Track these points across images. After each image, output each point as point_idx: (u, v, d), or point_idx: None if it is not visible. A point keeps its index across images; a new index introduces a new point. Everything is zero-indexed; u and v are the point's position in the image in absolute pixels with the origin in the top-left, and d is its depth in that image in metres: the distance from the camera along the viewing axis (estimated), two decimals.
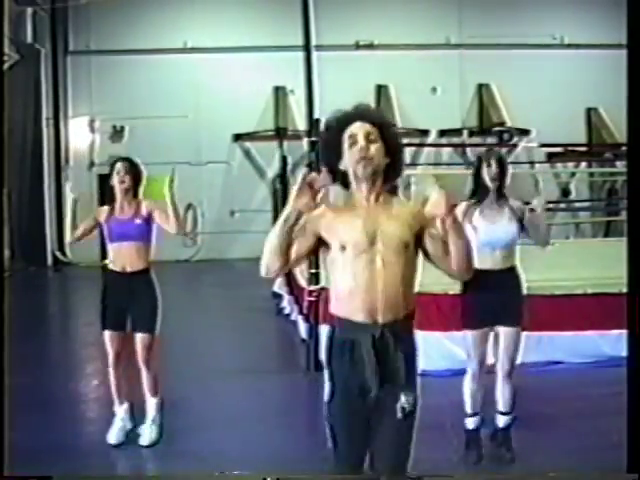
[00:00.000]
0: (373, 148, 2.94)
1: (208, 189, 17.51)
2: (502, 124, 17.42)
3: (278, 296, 10.35)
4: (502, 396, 4.79)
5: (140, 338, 5.13)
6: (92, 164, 17.60)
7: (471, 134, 17.79)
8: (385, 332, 2.92)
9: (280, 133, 17.36)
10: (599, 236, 15.90)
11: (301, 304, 8.29)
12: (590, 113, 17.84)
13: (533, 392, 4.98)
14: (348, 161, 2.96)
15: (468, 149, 17.43)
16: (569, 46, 17.58)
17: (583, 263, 8.95)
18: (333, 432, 3.00)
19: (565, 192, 17.45)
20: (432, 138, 17.40)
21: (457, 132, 17.70)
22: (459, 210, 4.67)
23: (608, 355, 6.74)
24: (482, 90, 17.85)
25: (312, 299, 7.12)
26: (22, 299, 10.84)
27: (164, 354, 5.49)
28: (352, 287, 2.92)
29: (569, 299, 7.00)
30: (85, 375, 5.56)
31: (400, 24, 17.10)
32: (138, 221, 5.10)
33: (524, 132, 17.20)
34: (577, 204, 16.98)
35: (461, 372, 4.97)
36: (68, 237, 5.27)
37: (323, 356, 3.07)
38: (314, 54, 7.97)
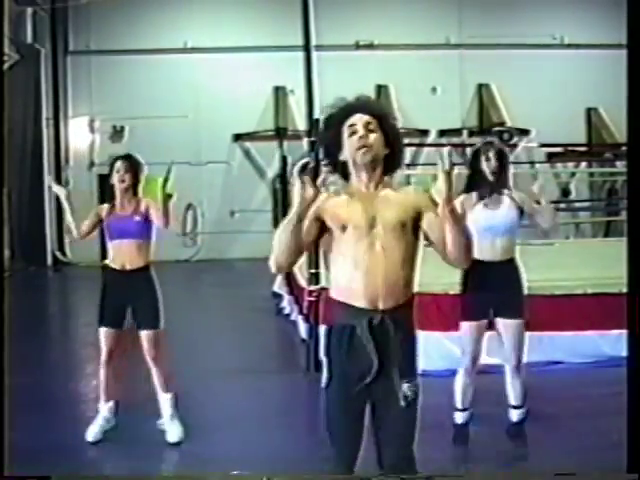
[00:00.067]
0: (372, 137, 2.98)
1: (208, 189, 17.52)
2: (502, 124, 17.41)
3: (278, 296, 10.35)
4: (513, 390, 4.80)
5: (145, 335, 5.14)
6: (92, 164, 17.60)
7: (471, 134, 17.77)
8: (385, 318, 2.93)
9: (280, 133, 17.36)
10: (599, 236, 15.90)
11: (301, 304, 8.28)
12: (590, 113, 17.84)
13: (533, 392, 4.97)
14: (347, 150, 2.99)
15: (468, 149, 17.42)
16: (569, 46, 17.58)
17: (583, 263, 8.96)
18: (329, 419, 3.01)
19: (565, 192, 17.45)
20: (432, 138, 17.40)
21: (457, 132, 17.70)
22: (458, 201, 4.68)
23: (608, 355, 6.73)
24: (482, 90, 17.85)
25: (312, 299, 7.12)
26: (22, 299, 10.84)
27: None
28: (353, 272, 2.93)
29: (569, 299, 7.00)
30: (85, 375, 5.56)
31: (400, 24, 17.10)
32: (137, 218, 5.11)
33: (524, 132, 17.20)
34: (577, 204, 16.98)
35: None
36: (74, 233, 5.26)
37: (322, 345, 3.08)
38: (314, 54, 7.96)
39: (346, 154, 3.00)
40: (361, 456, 3.05)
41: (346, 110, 3.05)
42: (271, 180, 16.99)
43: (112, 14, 16.82)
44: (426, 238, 3.01)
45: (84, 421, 5.31)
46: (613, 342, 6.65)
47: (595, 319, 6.88)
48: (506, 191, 4.73)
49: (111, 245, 5.19)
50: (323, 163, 3.08)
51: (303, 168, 2.90)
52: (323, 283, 6.74)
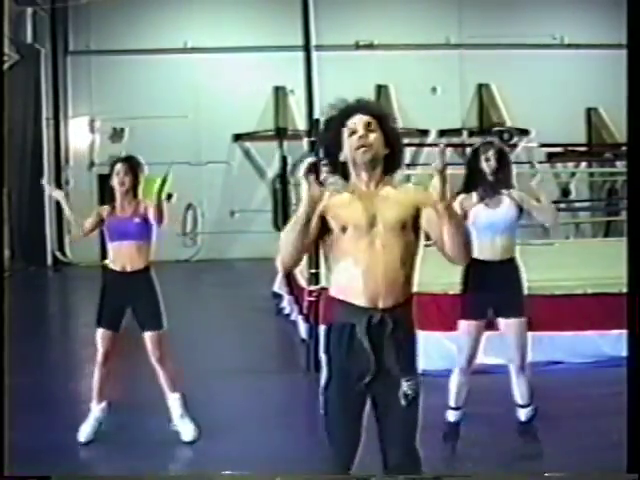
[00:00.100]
0: (372, 137, 2.99)
1: (208, 189, 17.52)
2: (502, 124, 17.41)
3: (278, 296, 10.35)
4: (518, 389, 4.79)
5: (149, 337, 5.16)
6: (92, 164, 17.60)
7: (471, 134, 17.78)
8: (385, 316, 2.93)
9: (280, 133, 17.36)
10: (599, 236, 15.90)
11: (301, 304, 8.29)
12: (590, 113, 17.84)
13: (533, 392, 4.97)
14: (347, 150, 3.00)
15: (468, 149, 17.42)
16: (569, 46, 17.58)
17: (583, 263, 8.96)
18: (327, 418, 3.01)
19: (565, 192, 17.45)
20: (432, 138, 17.40)
21: (457, 132, 17.70)
22: (458, 200, 4.68)
23: (608, 355, 6.73)
24: (482, 90, 17.86)
25: (312, 299, 7.12)
26: (22, 299, 10.84)
27: None
28: (353, 270, 2.94)
29: (569, 299, 7.00)
30: (85, 375, 5.56)
31: (400, 24, 17.10)
32: (137, 220, 5.13)
33: (524, 132, 17.20)
34: (577, 204, 16.99)
35: None
36: (76, 231, 5.27)
37: (322, 343, 3.08)
38: (314, 54, 7.96)
39: (346, 154, 3.01)
40: (360, 456, 3.05)
41: (346, 111, 3.06)
42: (271, 180, 17.01)
43: (112, 14, 16.82)
44: (426, 236, 3.02)
45: (84, 421, 5.30)
46: (613, 342, 6.65)
47: (595, 319, 6.88)
48: (505, 191, 4.73)
49: (111, 247, 5.20)
50: (323, 163, 3.08)
51: (310, 168, 2.86)
52: (323, 283, 6.74)
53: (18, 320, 7.92)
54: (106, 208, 5.23)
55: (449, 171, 2.83)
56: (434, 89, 17.58)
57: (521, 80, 17.00)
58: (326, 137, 3.12)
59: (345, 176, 3.06)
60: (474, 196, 4.73)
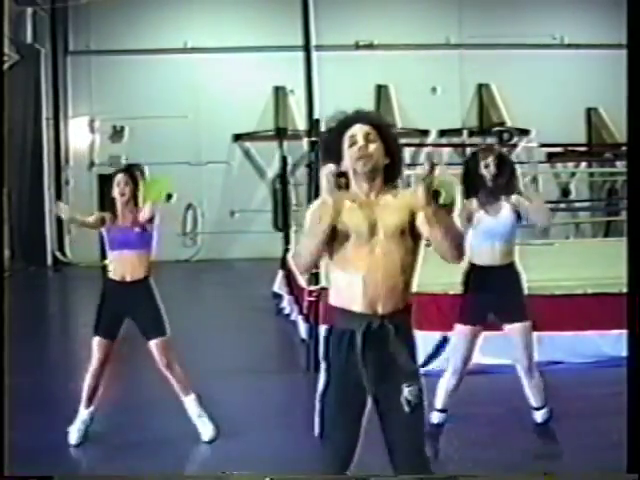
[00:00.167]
0: (372, 147, 2.99)
1: (208, 189, 17.53)
2: (502, 124, 17.42)
3: (278, 296, 10.35)
4: (530, 392, 4.76)
5: (154, 344, 5.19)
6: (92, 164, 17.62)
7: (471, 134, 17.79)
8: (385, 323, 2.93)
9: (280, 133, 17.37)
10: (599, 236, 15.90)
11: (301, 304, 8.28)
12: (590, 113, 17.85)
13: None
14: (348, 160, 3.01)
15: (468, 149, 17.43)
16: (569, 46, 17.59)
17: (583, 263, 8.95)
18: (324, 424, 3.01)
19: (565, 192, 17.45)
20: (432, 138, 17.40)
21: (457, 132, 17.71)
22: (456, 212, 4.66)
23: (608, 355, 6.73)
24: (482, 90, 17.86)
25: (312, 299, 7.12)
26: (22, 299, 10.84)
27: None
28: (353, 277, 2.95)
29: (569, 299, 7.00)
30: (85, 375, 5.56)
31: (400, 24, 17.10)
32: (137, 230, 5.16)
33: (524, 132, 17.20)
34: (577, 204, 16.99)
35: None
36: (80, 218, 5.34)
37: (321, 347, 3.08)
38: (314, 54, 7.98)
39: (347, 164, 3.01)
40: (360, 455, 3.05)
41: (346, 121, 3.07)
42: (271, 180, 17.00)
43: (112, 14, 16.83)
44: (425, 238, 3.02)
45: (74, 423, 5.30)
46: (613, 342, 6.65)
47: (595, 319, 6.88)
48: (505, 197, 4.70)
49: (112, 255, 5.23)
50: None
51: (333, 175, 2.86)
52: (323, 283, 6.74)
53: (18, 320, 7.92)
54: (108, 215, 5.25)
55: (443, 172, 2.82)
56: (434, 89, 17.58)
57: (521, 80, 17.00)
58: (326, 147, 3.12)
59: (346, 185, 3.05)
60: (474, 202, 4.71)
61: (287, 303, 9.84)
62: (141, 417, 5.87)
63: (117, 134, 17.49)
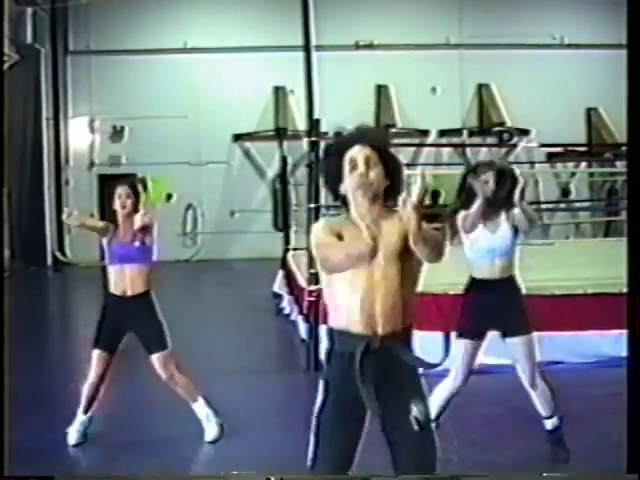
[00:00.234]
0: (373, 173, 2.95)
1: (208, 189, 17.53)
2: (502, 124, 17.43)
3: (278, 296, 10.36)
4: (538, 401, 4.74)
5: (156, 358, 5.21)
6: (92, 164, 17.62)
7: (471, 134, 17.80)
8: (385, 343, 2.92)
9: (280, 133, 17.37)
10: (599, 236, 15.91)
11: (301, 304, 8.29)
12: (590, 113, 17.85)
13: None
14: (348, 185, 2.97)
15: (468, 149, 17.45)
16: (569, 46, 17.59)
17: (583, 263, 8.96)
18: (319, 440, 3.00)
19: (565, 192, 17.46)
20: (432, 138, 17.41)
21: (457, 132, 17.71)
22: (460, 217, 4.65)
23: (608, 355, 6.73)
24: (482, 90, 17.86)
25: (312, 299, 7.12)
26: (22, 299, 10.84)
27: None
28: (351, 298, 2.92)
29: (569, 299, 7.00)
30: (85, 375, 5.56)
31: (400, 24, 17.10)
32: (137, 244, 5.16)
33: (524, 132, 17.21)
34: (577, 204, 16.99)
35: None
36: (89, 223, 5.41)
37: (322, 359, 3.07)
38: (314, 54, 7.96)
39: (347, 188, 2.98)
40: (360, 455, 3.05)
41: (346, 141, 3.04)
42: (271, 180, 17.00)
43: (112, 14, 16.83)
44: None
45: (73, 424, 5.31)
46: (613, 342, 6.65)
47: (595, 319, 6.88)
48: (505, 212, 4.68)
49: (112, 270, 5.23)
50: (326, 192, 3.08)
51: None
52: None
53: (18, 320, 7.92)
54: (112, 226, 5.26)
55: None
56: (434, 89, 17.58)
57: (521, 80, 17.01)
58: (326, 168, 3.09)
59: (346, 204, 3.03)
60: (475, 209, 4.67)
61: (287, 303, 9.84)
62: (141, 417, 5.87)
63: (117, 134, 17.50)
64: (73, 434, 5.20)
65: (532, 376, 4.69)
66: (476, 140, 17.82)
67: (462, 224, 4.65)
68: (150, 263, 5.24)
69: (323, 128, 7.86)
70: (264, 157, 17.63)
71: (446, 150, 17.51)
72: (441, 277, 5.81)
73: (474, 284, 4.72)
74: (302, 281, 8.24)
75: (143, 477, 4.57)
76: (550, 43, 17.55)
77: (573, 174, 17.57)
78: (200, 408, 5.27)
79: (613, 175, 16.15)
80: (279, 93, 17.52)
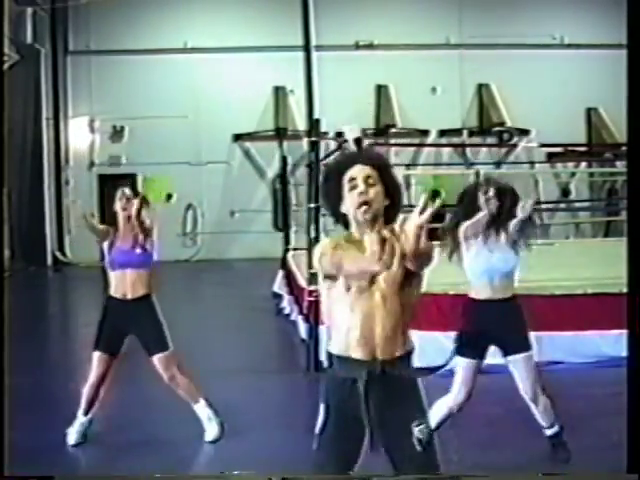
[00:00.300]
0: (372, 192, 2.93)
1: (208, 189, 17.53)
2: (502, 124, 17.43)
3: (278, 296, 10.36)
4: (539, 414, 4.74)
5: (157, 360, 5.21)
6: (92, 164, 17.62)
7: (471, 134, 17.80)
8: (385, 367, 2.91)
9: (280, 133, 17.38)
10: (599, 236, 15.91)
11: (301, 304, 8.29)
12: (590, 113, 17.86)
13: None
14: (349, 205, 2.96)
15: (468, 149, 17.46)
16: (569, 46, 17.60)
17: (583, 263, 8.96)
18: (318, 460, 3.01)
19: (565, 192, 17.46)
20: (432, 138, 17.41)
21: (457, 132, 17.71)
22: (461, 230, 4.63)
23: (608, 355, 6.73)
24: (482, 90, 17.86)
25: (312, 299, 7.12)
26: (22, 299, 10.84)
27: None
28: (351, 323, 2.91)
29: (569, 299, 7.00)
30: (85, 375, 5.56)
31: (400, 24, 17.11)
32: (139, 251, 5.17)
33: (524, 132, 17.21)
34: (577, 204, 16.99)
35: None
36: (92, 220, 5.41)
37: (322, 360, 3.07)
38: (314, 54, 7.98)
39: (347, 207, 2.97)
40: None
41: (346, 161, 3.04)
42: (271, 180, 17.01)
43: (112, 14, 16.84)
44: (432, 236, 2.96)
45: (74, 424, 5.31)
46: (613, 342, 6.65)
47: (595, 319, 6.88)
48: (504, 234, 4.68)
49: (113, 275, 5.24)
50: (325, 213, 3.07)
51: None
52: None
53: (18, 320, 7.92)
54: (112, 230, 5.27)
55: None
56: (434, 89, 17.59)
57: (521, 80, 17.01)
58: (327, 189, 3.07)
59: (346, 224, 3.03)
60: (474, 224, 4.66)
61: (287, 303, 9.84)
62: (141, 417, 5.87)
63: (117, 134, 17.50)
64: (73, 435, 5.20)
65: (534, 392, 4.68)
66: (476, 140, 17.83)
67: (464, 235, 4.63)
68: (150, 267, 5.25)
69: (323, 128, 7.87)
70: (264, 157, 17.64)
71: (446, 150, 17.51)
72: (441, 277, 5.81)
73: (473, 304, 4.70)
74: (302, 281, 8.24)
75: (143, 477, 4.57)
76: (550, 43, 17.55)
77: (573, 174, 17.57)
78: (201, 409, 5.28)
79: (613, 175, 16.16)
80: (279, 93, 17.52)
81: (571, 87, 17.06)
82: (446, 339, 6.30)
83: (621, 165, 15.07)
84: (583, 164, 17.55)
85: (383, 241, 2.91)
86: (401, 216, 2.94)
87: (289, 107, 17.42)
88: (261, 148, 17.64)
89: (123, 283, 5.18)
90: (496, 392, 5.40)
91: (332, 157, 3.14)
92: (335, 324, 2.98)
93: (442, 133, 17.57)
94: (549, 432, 4.77)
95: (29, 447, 4.87)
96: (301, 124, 16.46)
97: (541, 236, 12.06)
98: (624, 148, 12.67)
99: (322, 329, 6.75)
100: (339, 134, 9.54)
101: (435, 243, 3.07)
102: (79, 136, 17.67)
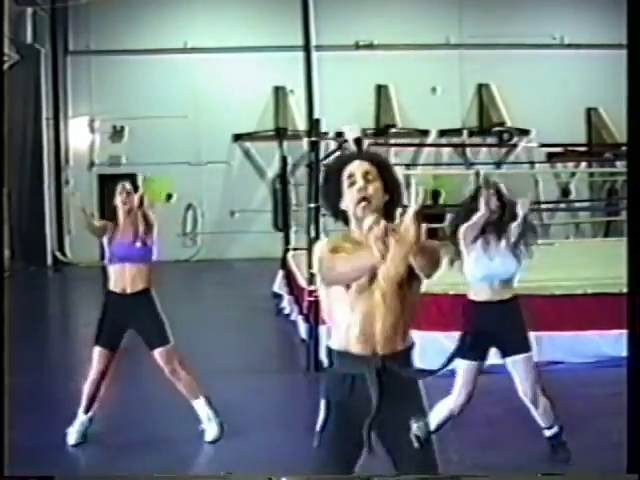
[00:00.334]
0: (371, 188, 2.93)
1: (208, 189, 17.53)
2: (502, 124, 17.43)
3: (278, 296, 10.36)
4: (538, 415, 4.74)
5: (158, 353, 5.22)
6: (92, 164, 17.62)
7: (471, 134, 17.80)
8: (386, 363, 2.91)
9: (280, 133, 17.38)
10: (599, 236, 15.90)
11: (301, 304, 8.29)
12: (590, 113, 17.86)
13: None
14: (348, 201, 2.95)
15: (468, 149, 17.46)
16: (569, 46, 17.60)
17: (583, 263, 8.95)
18: (319, 457, 3.00)
19: (565, 192, 17.46)
20: (432, 138, 17.42)
21: (457, 132, 17.71)
22: (461, 231, 4.64)
23: (608, 355, 6.73)
24: (482, 90, 17.87)
25: (312, 299, 7.12)
26: (22, 299, 10.84)
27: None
28: (350, 319, 2.91)
29: (569, 299, 7.00)
30: (85, 375, 5.57)
31: (400, 24, 17.11)
32: (139, 245, 5.17)
33: (524, 132, 17.21)
34: (577, 204, 16.99)
35: None
36: (88, 222, 5.38)
37: (322, 359, 3.07)
38: (314, 54, 7.97)
39: (347, 204, 2.97)
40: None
41: (344, 158, 3.05)
42: (271, 180, 17.01)
43: (112, 14, 16.84)
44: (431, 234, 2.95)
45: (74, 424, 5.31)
46: (613, 342, 6.65)
47: (595, 319, 6.88)
48: (506, 231, 4.67)
49: (112, 269, 5.25)
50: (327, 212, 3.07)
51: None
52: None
53: (18, 320, 7.92)
54: (111, 225, 5.27)
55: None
56: (434, 89, 17.59)
57: (521, 80, 17.01)
58: (326, 186, 3.08)
59: (346, 221, 3.02)
60: (473, 226, 4.67)
61: (287, 303, 9.84)
62: (141, 416, 5.87)
63: (117, 134, 17.50)
64: (73, 434, 5.20)
65: (533, 393, 4.69)
66: (476, 140, 17.83)
67: (464, 237, 4.64)
68: (150, 262, 5.25)
69: (323, 128, 7.87)
70: (264, 157, 17.64)
71: (446, 150, 17.51)
72: (441, 277, 5.81)
73: (473, 306, 4.71)
74: (302, 281, 8.24)
75: (143, 477, 4.57)
76: (550, 43, 17.55)
77: (573, 174, 17.57)
78: (201, 407, 5.28)
79: (613, 175, 16.15)
80: (279, 93, 17.52)
81: (571, 87, 17.06)
82: (446, 339, 6.33)
83: (621, 165, 15.06)
84: (583, 164, 17.55)
85: (384, 234, 2.91)
86: (399, 209, 2.92)
87: (289, 107, 17.42)
88: (261, 148, 17.64)
89: (122, 277, 5.18)
90: (496, 392, 5.40)
91: (332, 157, 3.13)
92: (335, 322, 2.98)
93: (442, 133, 17.57)
94: (549, 433, 4.78)
95: (29, 447, 4.87)
96: (301, 124, 16.46)
97: (541, 236, 12.07)
98: (624, 148, 12.67)
99: (322, 329, 6.75)
100: (339, 134, 9.55)
101: (440, 243, 3.05)
102: (79, 136, 17.67)
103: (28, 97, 17.00)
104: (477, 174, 4.73)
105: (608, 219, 15.69)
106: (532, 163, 17.07)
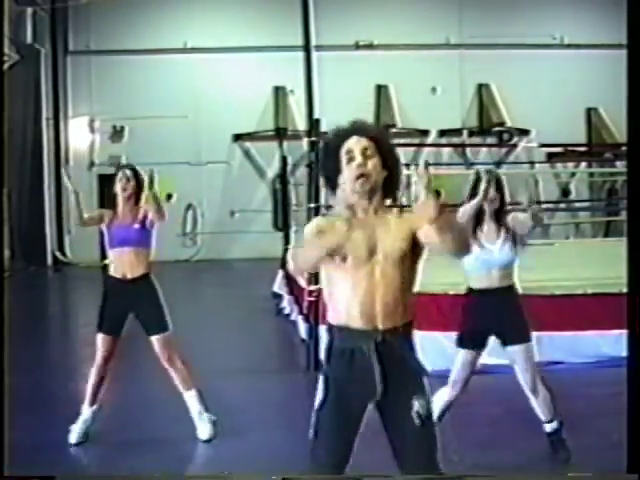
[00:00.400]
0: (370, 164, 2.94)
1: (208, 189, 17.54)
2: (502, 124, 17.43)
3: (278, 296, 10.36)
4: (538, 407, 4.75)
5: (156, 340, 5.21)
6: (92, 164, 17.62)
7: (471, 134, 17.80)
8: (386, 337, 2.92)
9: (280, 133, 17.38)
10: (599, 236, 15.90)
11: (301, 304, 8.29)
12: (590, 113, 17.86)
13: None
14: (347, 177, 2.96)
15: (468, 149, 17.46)
16: (569, 46, 17.60)
17: (583, 263, 8.95)
18: (318, 438, 3.00)
19: (565, 192, 17.45)
20: (432, 138, 17.41)
21: (457, 132, 17.72)
22: (460, 212, 4.66)
23: (608, 355, 6.73)
24: (482, 90, 17.87)
25: (312, 299, 7.12)
26: (22, 299, 10.84)
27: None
28: (350, 296, 2.92)
29: (569, 299, 7.00)
30: (85, 375, 5.57)
31: (400, 24, 17.11)
32: (137, 226, 5.17)
33: (524, 132, 17.21)
34: (577, 204, 16.99)
35: None
36: (76, 217, 5.35)
37: (322, 357, 3.06)
38: (314, 54, 7.98)
39: (345, 180, 2.98)
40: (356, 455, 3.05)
41: (343, 134, 3.03)
42: (271, 180, 17.01)
43: (112, 14, 16.84)
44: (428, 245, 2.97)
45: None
46: (613, 342, 6.64)
47: (595, 319, 6.88)
48: (503, 228, 4.67)
49: (112, 253, 5.25)
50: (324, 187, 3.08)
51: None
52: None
53: (18, 320, 7.93)
54: (108, 213, 5.27)
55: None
56: (434, 89, 17.59)
57: (521, 80, 17.01)
58: (325, 162, 3.09)
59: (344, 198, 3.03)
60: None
61: (287, 303, 9.84)
62: (141, 416, 5.87)
63: (117, 134, 17.50)
64: (75, 432, 5.19)
65: (533, 382, 4.69)
66: (476, 140, 17.83)
67: (460, 220, 4.65)
68: (149, 246, 5.23)
69: (323, 128, 7.87)
70: (264, 157, 17.64)
71: (446, 150, 17.51)
72: (441, 277, 5.82)
73: (472, 294, 4.72)
74: (302, 281, 8.23)
75: (143, 477, 4.57)
76: (550, 43, 17.56)
77: (573, 174, 17.57)
78: (192, 400, 5.26)
79: (613, 175, 16.15)
80: (279, 93, 17.52)
81: (571, 87, 17.06)
82: (446, 339, 6.33)
83: (621, 165, 15.06)
84: (583, 164, 17.55)
85: (381, 218, 2.94)
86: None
87: (289, 107, 17.42)
88: (261, 148, 17.64)
89: (122, 262, 5.17)
90: (496, 392, 5.42)
91: (330, 132, 3.12)
92: (335, 299, 2.99)
93: (442, 133, 17.57)
94: (548, 428, 4.77)
95: (29, 447, 4.87)
96: (301, 124, 16.47)
97: (541, 236, 12.07)
98: (624, 148, 12.67)
99: (322, 329, 6.75)
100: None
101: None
102: (79, 136, 17.68)
103: (28, 97, 17.00)
104: (477, 174, 4.72)
105: (608, 219, 15.69)
106: (532, 163, 17.07)
